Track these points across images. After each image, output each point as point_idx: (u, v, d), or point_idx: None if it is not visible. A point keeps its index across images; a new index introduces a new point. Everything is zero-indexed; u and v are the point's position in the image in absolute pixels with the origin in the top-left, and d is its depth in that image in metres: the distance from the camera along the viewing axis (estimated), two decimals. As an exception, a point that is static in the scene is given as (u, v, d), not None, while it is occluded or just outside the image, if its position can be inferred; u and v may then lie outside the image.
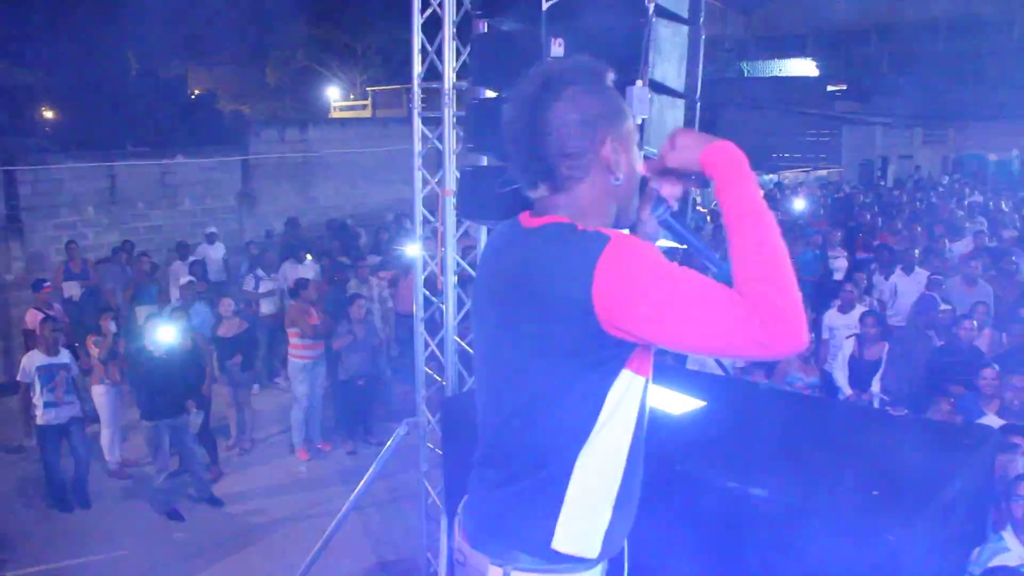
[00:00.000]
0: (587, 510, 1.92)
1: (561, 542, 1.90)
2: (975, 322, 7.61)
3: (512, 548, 1.93)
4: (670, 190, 2.04)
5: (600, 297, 1.72)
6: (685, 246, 2.20)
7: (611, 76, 1.95)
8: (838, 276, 10.82)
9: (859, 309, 8.51)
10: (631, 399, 1.90)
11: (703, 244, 2.12)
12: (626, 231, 2.00)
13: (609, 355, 1.81)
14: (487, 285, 2.06)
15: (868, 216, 15.35)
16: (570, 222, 1.86)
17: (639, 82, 3.54)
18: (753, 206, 1.76)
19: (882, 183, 25.69)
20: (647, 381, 1.95)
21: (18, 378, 8.03)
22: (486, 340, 2.06)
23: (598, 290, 1.71)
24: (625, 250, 1.75)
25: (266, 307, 10.65)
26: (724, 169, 1.85)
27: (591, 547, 1.93)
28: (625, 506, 1.98)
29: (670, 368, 5.42)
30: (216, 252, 13.38)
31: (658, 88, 3.68)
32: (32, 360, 7.86)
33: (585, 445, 1.87)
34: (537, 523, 1.90)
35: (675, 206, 2.06)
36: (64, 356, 7.91)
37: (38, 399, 7.67)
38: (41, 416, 7.69)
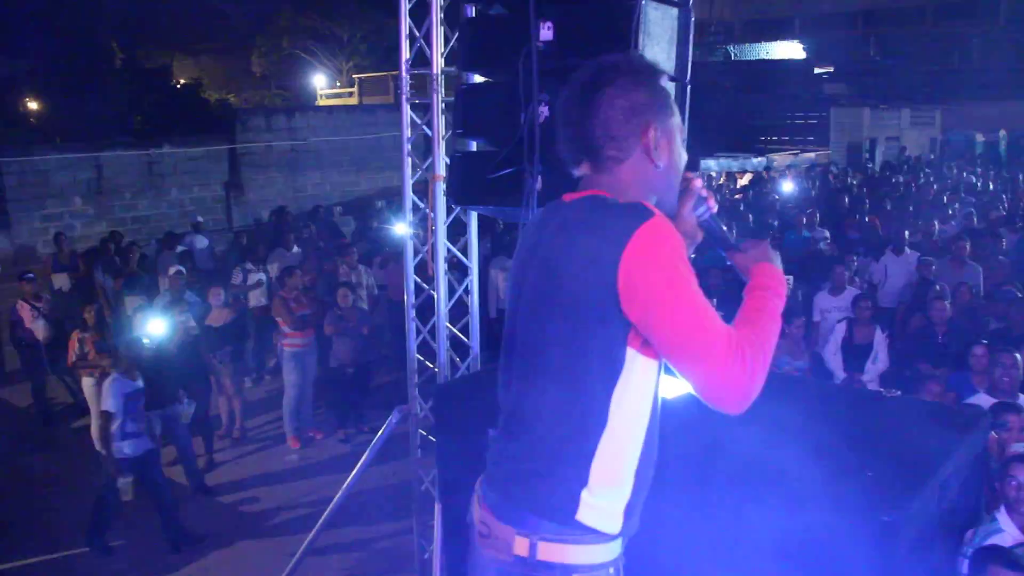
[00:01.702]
0: (610, 484, 2.00)
1: (585, 514, 1.98)
2: (947, 303, 7.66)
3: (539, 518, 1.99)
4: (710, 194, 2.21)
5: (625, 266, 1.83)
6: (720, 250, 2.28)
7: (665, 78, 2.10)
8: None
9: (850, 291, 8.52)
10: (647, 376, 2.00)
11: (729, 242, 2.24)
12: None
13: (625, 330, 1.91)
14: (524, 257, 2.17)
15: (852, 198, 15.39)
16: (611, 196, 1.99)
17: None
18: (773, 308, 2.04)
19: (870, 165, 25.73)
20: (660, 363, 2.03)
21: (106, 407, 6.69)
22: (518, 310, 2.14)
23: (626, 259, 1.83)
24: (663, 232, 1.86)
25: (254, 299, 10.60)
26: (766, 274, 2.13)
27: (613, 522, 2.03)
28: (642, 483, 2.08)
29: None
30: (202, 242, 13.33)
31: (648, 71, 3.66)
32: (118, 386, 6.72)
33: (608, 418, 1.96)
34: (563, 495, 1.98)
35: (715, 208, 2.20)
36: (140, 379, 7.00)
37: (116, 430, 6.65)
38: (118, 449, 6.66)
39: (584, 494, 1.97)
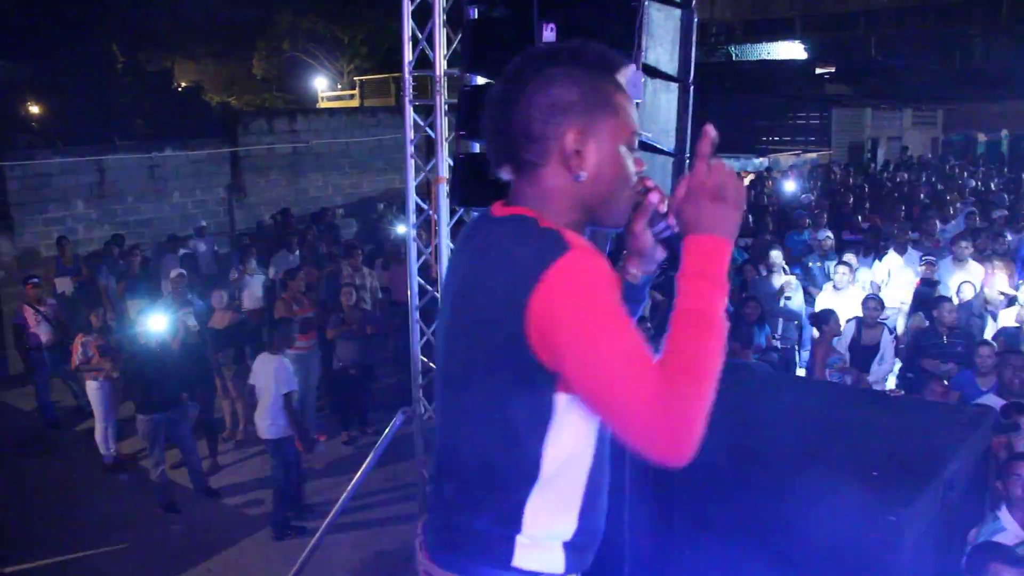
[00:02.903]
0: (548, 527, 1.81)
1: (523, 558, 1.80)
2: (954, 303, 7.66)
3: (478, 565, 1.83)
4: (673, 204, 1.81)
5: (533, 314, 1.58)
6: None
7: (624, 70, 1.79)
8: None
9: (853, 291, 8.53)
10: (585, 421, 1.74)
11: None
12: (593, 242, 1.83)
13: (550, 378, 1.65)
14: (447, 281, 1.96)
15: (856, 198, 15.39)
16: (534, 216, 1.72)
17: (632, 66, 3.52)
18: (712, 312, 1.63)
19: (872, 165, 25.73)
20: None
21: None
22: (440, 342, 1.93)
23: (534, 306, 1.58)
24: (575, 271, 1.59)
25: (249, 302, 10.59)
26: (704, 252, 1.68)
27: (555, 562, 1.83)
28: (589, 519, 1.86)
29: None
30: (205, 245, 13.34)
31: (651, 72, 3.67)
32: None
33: (541, 469, 1.74)
34: (498, 541, 1.80)
35: (676, 227, 1.79)
36: None
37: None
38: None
39: (519, 539, 1.79)
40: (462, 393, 1.79)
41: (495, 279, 1.67)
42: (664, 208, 1.81)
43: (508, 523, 1.78)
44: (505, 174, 1.83)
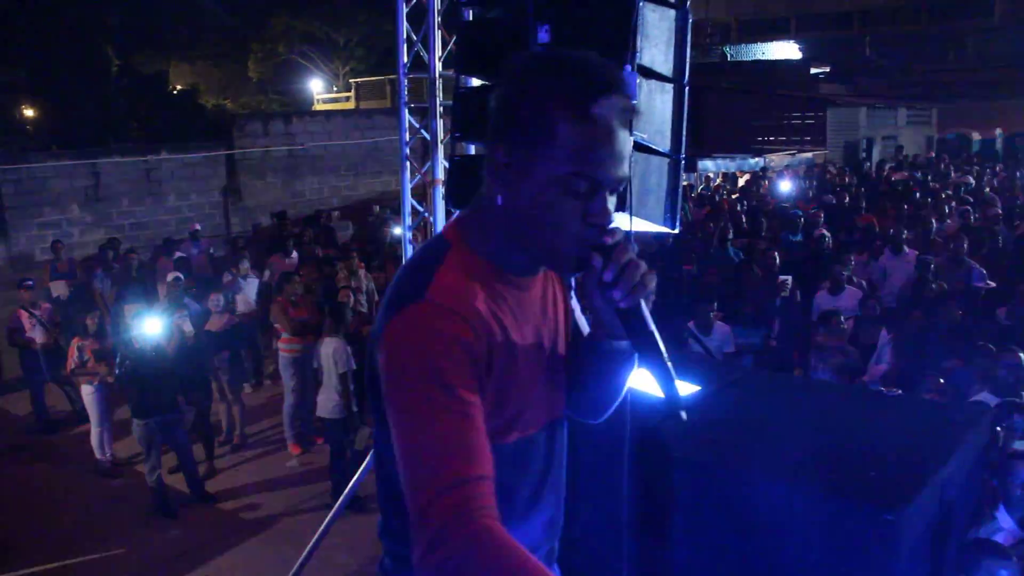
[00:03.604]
0: None
1: None
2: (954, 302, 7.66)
3: None
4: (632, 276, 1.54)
5: (380, 350, 1.52)
6: (640, 355, 1.60)
7: (609, 99, 1.50)
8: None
9: (849, 290, 8.54)
10: None
11: (669, 367, 1.55)
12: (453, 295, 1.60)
13: None
14: None
15: (851, 197, 15.41)
16: (448, 242, 1.63)
17: (627, 67, 3.52)
18: None
19: (867, 164, 25.77)
20: (505, 446, 1.64)
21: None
22: None
23: (380, 345, 1.52)
24: (416, 326, 1.47)
25: (242, 305, 10.58)
26: None
27: None
28: None
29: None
30: (199, 249, 13.32)
31: (646, 73, 3.67)
32: None
33: None
34: (401, 560, 1.75)
35: (627, 301, 1.53)
36: None
37: None
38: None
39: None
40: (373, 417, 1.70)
41: (381, 310, 1.59)
42: (611, 276, 1.52)
43: (401, 542, 1.65)
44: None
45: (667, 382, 1.56)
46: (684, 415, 1.59)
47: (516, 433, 1.68)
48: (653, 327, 1.55)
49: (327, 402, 7.57)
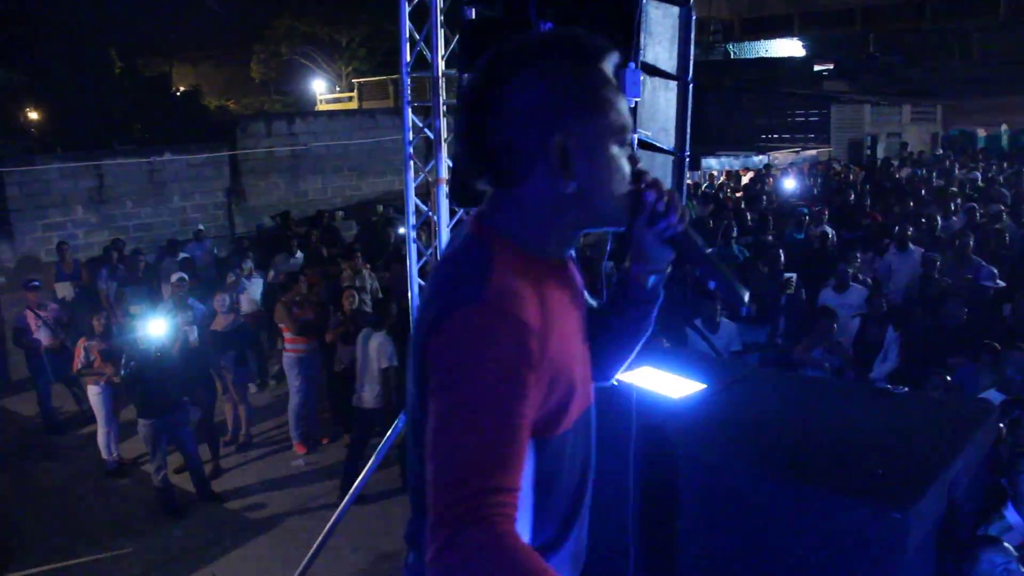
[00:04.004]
0: None
1: None
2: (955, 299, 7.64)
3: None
4: (672, 200, 1.68)
5: (428, 351, 1.49)
6: (699, 272, 1.77)
7: (606, 58, 1.61)
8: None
9: (854, 288, 8.52)
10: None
11: (723, 273, 1.74)
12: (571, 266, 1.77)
13: None
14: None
15: (856, 195, 15.39)
16: (490, 240, 1.60)
17: (631, 64, 3.51)
18: None
19: (873, 162, 25.73)
20: (544, 441, 1.63)
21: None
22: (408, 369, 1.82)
23: (430, 345, 1.48)
24: (474, 327, 1.44)
25: (246, 305, 10.58)
26: None
27: None
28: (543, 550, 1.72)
29: (668, 351, 5.42)
30: (204, 249, 13.33)
31: (650, 70, 3.66)
32: None
33: None
34: None
35: (680, 224, 1.69)
36: None
37: None
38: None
39: None
40: (412, 420, 1.71)
41: (425, 311, 1.55)
42: (663, 206, 1.66)
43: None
44: (482, 185, 1.66)
45: (726, 282, 1.72)
46: (746, 299, 1.70)
47: (565, 423, 1.68)
48: (701, 242, 1.72)
49: (366, 392, 7.67)
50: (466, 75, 1.45)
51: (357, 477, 6.52)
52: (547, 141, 1.54)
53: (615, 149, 1.59)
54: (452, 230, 5.76)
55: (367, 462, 6.49)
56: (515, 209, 1.61)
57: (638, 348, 1.97)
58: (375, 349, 7.57)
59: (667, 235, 1.70)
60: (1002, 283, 8.53)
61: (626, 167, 1.62)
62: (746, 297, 1.73)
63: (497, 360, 1.42)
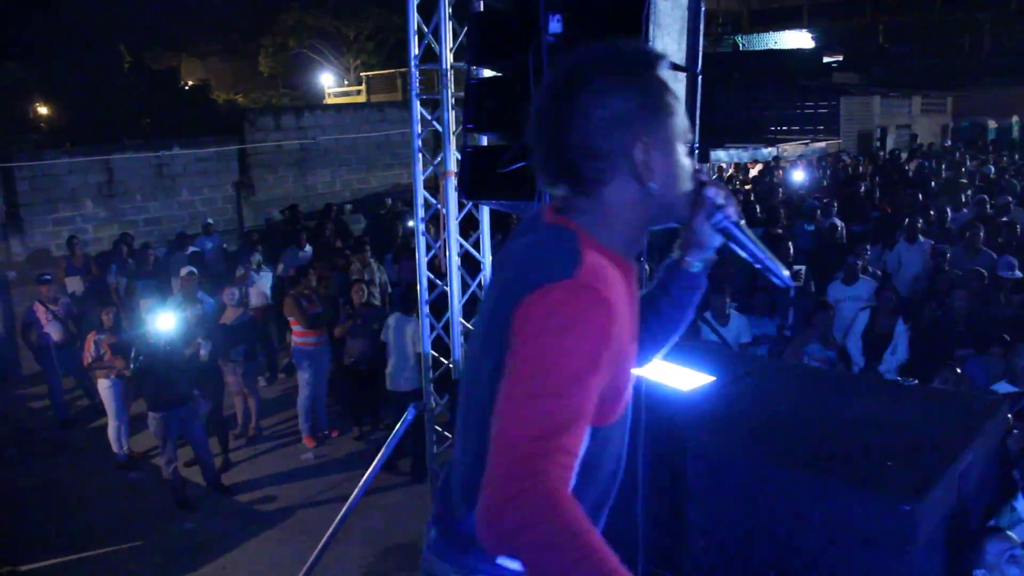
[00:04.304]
0: None
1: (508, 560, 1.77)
2: (963, 291, 7.62)
3: (466, 555, 1.84)
4: (727, 193, 1.85)
5: (517, 315, 1.54)
6: (745, 256, 1.94)
7: (663, 65, 1.72)
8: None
9: (864, 280, 8.49)
10: None
11: (767, 257, 1.91)
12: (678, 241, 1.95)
13: None
14: (493, 269, 1.92)
15: (865, 187, 15.32)
16: (577, 232, 1.67)
17: (667, 59, 3.50)
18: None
19: (881, 154, 25.63)
20: (596, 429, 1.69)
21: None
22: (468, 345, 1.91)
23: (520, 310, 1.54)
24: (570, 299, 1.51)
25: (256, 299, 10.58)
26: None
27: None
28: None
29: (677, 343, 5.40)
30: (213, 243, 13.36)
31: (659, 62, 3.64)
32: None
33: None
34: None
35: (733, 214, 1.85)
36: None
37: None
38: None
39: None
40: (472, 392, 1.78)
41: (514, 285, 1.61)
42: (721, 200, 1.82)
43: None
44: (559, 191, 1.76)
45: (771, 265, 1.90)
46: (790, 280, 1.89)
47: (613, 415, 1.75)
48: (749, 231, 1.90)
49: (402, 377, 7.91)
50: (539, 90, 1.53)
51: (397, 460, 6.51)
52: (630, 146, 1.65)
53: (682, 148, 1.73)
54: (461, 223, 5.75)
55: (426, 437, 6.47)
56: (596, 210, 1.70)
57: (677, 334, 2.10)
58: (411, 335, 7.72)
59: (722, 225, 1.85)
60: (1020, 273, 8.49)
61: (690, 165, 1.76)
62: (789, 278, 1.89)
63: (584, 334, 1.50)
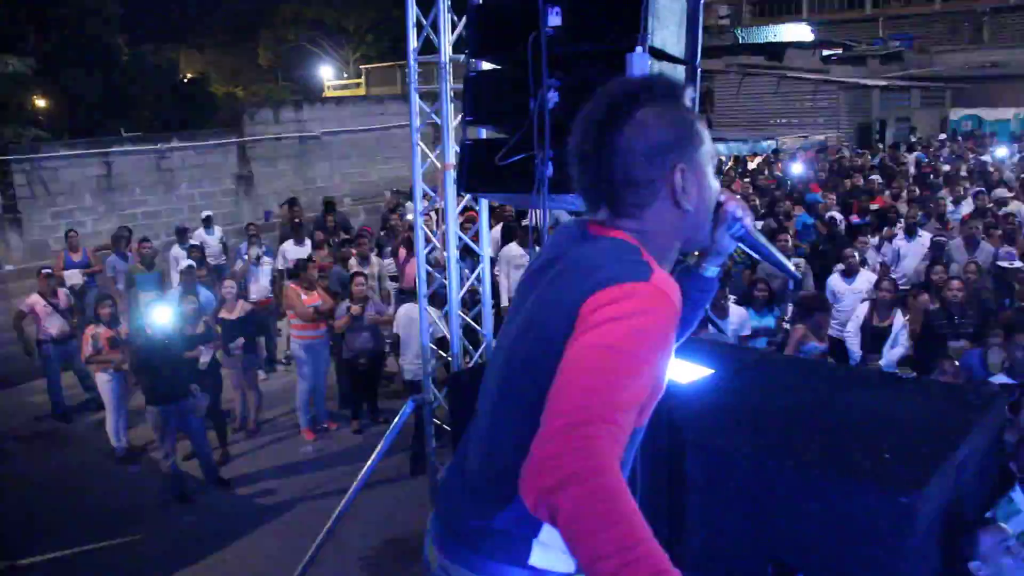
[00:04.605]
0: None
1: (538, 558, 1.85)
2: (961, 282, 7.62)
3: (495, 562, 1.86)
4: (743, 205, 2.02)
5: (586, 305, 1.61)
6: (759, 257, 2.17)
7: (689, 94, 1.90)
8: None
9: (863, 274, 8.49)
10: None
11: (777, 255, 2.15)
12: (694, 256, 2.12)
13: None
14: (530, 279, 1.95)
15: (864, 179, 15.32)
16: (637, 244, 1.77)
17: (638, 48, 3.49)
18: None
19: (880, 146, 25.60)
20: (640, 429, 1.81)
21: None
22: (505, 339, 1.94)
23: (590, 300, 1.61)
24: (647, 300, 1.60)
25: (256, 292, 10.57)
26: None
27: (567, 563, 1.86)
28: None
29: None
30: (213, 236, 13.34)
31: (658, 54, 3.64)
32: None
33: None
34: (517, 540, 1.84)
35: (749, 223, 2.02)
36: None
37: None
38: None
39: (536, 540, 1.83)
40: (514, 393, 1.81)
41: (582, 281, 1.68)
42: (740, 213, 1.99)
43: (530, 524, 1.81)
44: (600, 215, 1.87)
45: (782, 266, 2.21)
46: (800, 276, 2.01)
47: (643, 419, 1.81)
48: (763, 237, 2.12)
49: (413, 366, 7.85)
50: (577, 123, 1.64)
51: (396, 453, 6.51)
52: (669, 174, 1.78)
53: (711, 171, 1.88)
54: (460, 216, 5.74)
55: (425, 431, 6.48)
56: (639, 230, 1.81)
57: (689, 333, 2.20)
58: (416, 324, 7.65)
59: (740, 234, 2.02)
60: (1018, 263, 8.50)
61: (718, 186, 1.92)
62: (799, 275, 2.08)
63: (653, 330, 1.59)
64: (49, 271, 10.13)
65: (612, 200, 1.82)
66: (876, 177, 16.27)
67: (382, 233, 12.85)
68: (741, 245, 2.10)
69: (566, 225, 2.01)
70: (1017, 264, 8.47)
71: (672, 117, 1.80)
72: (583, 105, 1.86)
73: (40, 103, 24.14)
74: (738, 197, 2.01)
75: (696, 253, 2.14)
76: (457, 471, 2.02)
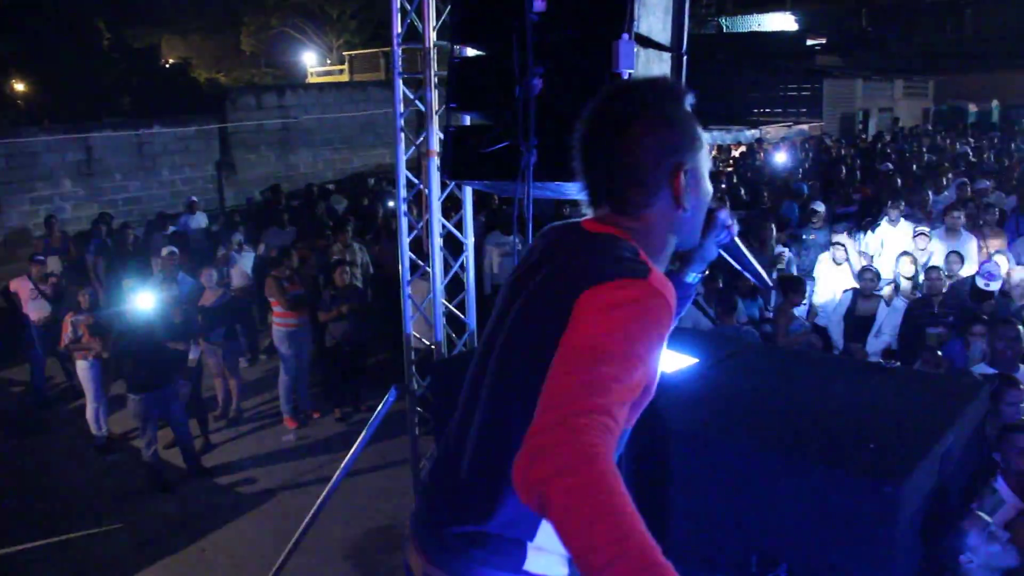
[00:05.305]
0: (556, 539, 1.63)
1: (532, 564, 1.84)
2: (943, 272, 7.65)
3: (488, 568, 1.83)
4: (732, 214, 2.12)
5: (582, 299, 1.61)
6: (738, 266, 2.23)
7: (690, 99, 1.90)
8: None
9: (846, 263, 8.51)
10: None
11: (756, 266, 2.24)
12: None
13: None
14: (517, 281, 1.93)
15: (848, 170, 15.36)
16: (634, 244, 1.78)
17: (624, 36, 3.46)
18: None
19: (863, 136, 25.69)
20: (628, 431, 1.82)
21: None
22: (491, 336, 1.93)
23: (586, 295, 1.61)
24: (644, 297, 1.62)
25: (237, 279, 10.49)
26: None
27: (560, 567, 1.87)
28: None
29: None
30: (196, 222, 13.24)
31: (644, 42, 3.61)
32: None
33: None
34: (511, 545, 1.82)
35: (735, 232, 2.12)
36: None
37: None
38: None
39: (531, 545, 1.82)
40: (510, 389, 1.79)
41: (578, 276, 1.68)
42: (730, 222, 2.09)
43: (524, 527, 1.80)
44: (601, 211, 1.89)
45: (759, 274, 2.28)
46: (773, 292, 2.22)
47: (633, 420, 1.79)
48: (744, 246, 2.20)
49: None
50: (583, 124, 1.64)
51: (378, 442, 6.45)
52: (673, 175, 1.81)
53: (707, 173, 1.93)
54: (444, 203, 5.70)
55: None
56: (638, 228, 1.84)
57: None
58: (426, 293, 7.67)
59: (725, 242, 2.12)
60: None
61: (711, 190, 1.95)
62: (774, 281, 2.11)
63: (649, 327, 1.60)
64: (42, 259, 10.04)
65: (616, 198, 1.85)
66: (859, 167, 16.31)
67: (364, 220, 12.79)
68: (723, 253, 2.16)
69: (553, 228, 2.00)
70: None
71: (678, 119, 1.84)
72: (568, 93, 1.88)
73: (19, 86, 23.88)
74: (727, 206, 2.06)
75: (679, 259, 2.15)
76: (441, 471, 1.97)
